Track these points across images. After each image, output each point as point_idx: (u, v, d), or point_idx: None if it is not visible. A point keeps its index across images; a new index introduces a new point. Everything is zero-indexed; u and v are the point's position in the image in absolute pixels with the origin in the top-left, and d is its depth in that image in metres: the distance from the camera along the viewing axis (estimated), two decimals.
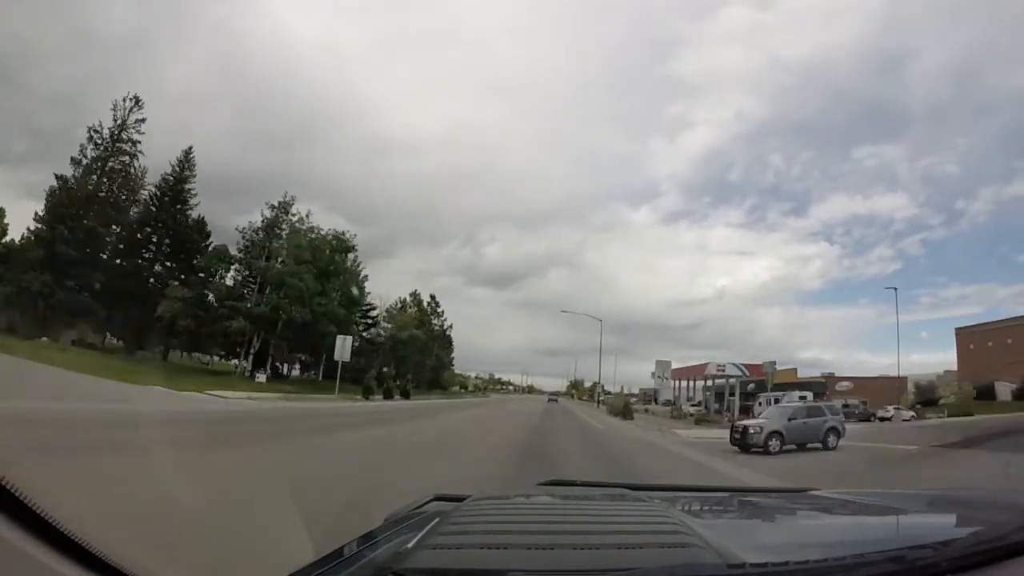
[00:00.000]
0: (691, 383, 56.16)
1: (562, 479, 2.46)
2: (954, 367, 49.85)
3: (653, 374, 44.11)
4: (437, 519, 1.25)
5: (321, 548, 1.29)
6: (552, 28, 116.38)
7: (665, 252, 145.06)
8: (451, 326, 76.54)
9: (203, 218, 43.59)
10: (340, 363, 34.19)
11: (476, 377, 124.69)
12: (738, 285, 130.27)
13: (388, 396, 39.33)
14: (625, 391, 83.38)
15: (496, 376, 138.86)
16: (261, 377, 34.23)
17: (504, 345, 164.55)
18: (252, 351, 39.83)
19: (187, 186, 43.36)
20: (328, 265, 41.62)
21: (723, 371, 44.47)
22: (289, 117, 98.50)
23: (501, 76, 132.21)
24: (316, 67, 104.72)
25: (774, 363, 40.02)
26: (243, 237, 43.17)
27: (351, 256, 49.00)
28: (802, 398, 37.46)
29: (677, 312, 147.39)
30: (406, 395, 42.74)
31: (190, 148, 44.02)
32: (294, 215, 43.97)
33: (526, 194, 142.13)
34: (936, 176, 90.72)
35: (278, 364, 45.67)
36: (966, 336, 50.08)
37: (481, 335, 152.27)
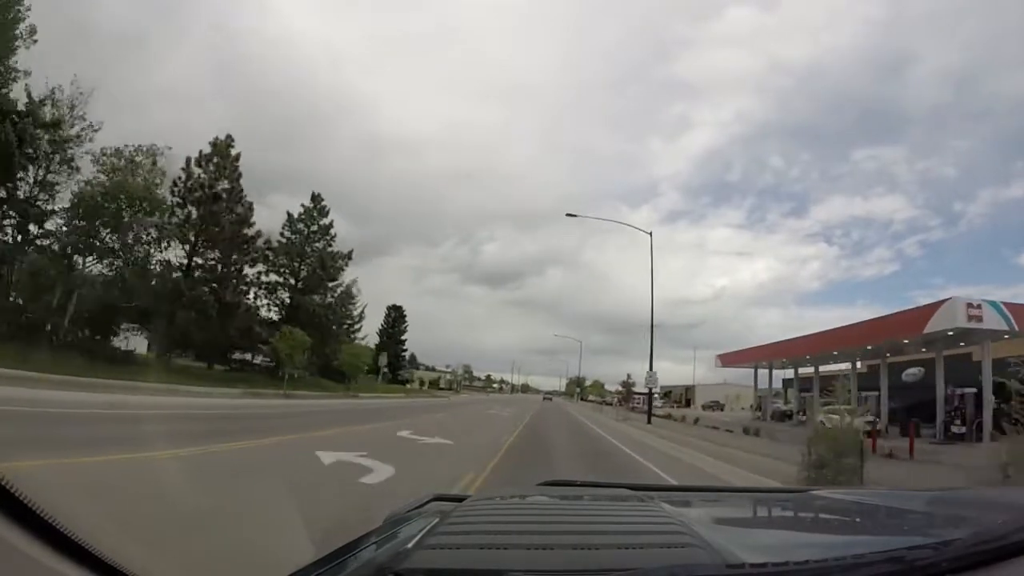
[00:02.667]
0: (778, 373, 37.91)
1: (562, 479, 2.46)
2: None
3: None
4: (437, 519, 1.25)
5: (321, 548, 1.29)
6: (553, 28, 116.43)
7: (664, 252, 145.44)
8: (350, 254, 41.75)
9: None
10: None
11: (449, 370, 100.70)
12: (736, 285, 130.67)
13: None
14: (618, 390, 63.54)
15: (482, 373, 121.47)
16: None
17: (499, 344, 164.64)
18: None
19: None
20: None
21: (977, 318, 20.68)
22: (286, 115, 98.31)
23: (502, 76, 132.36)
24: (315, 65, 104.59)
25: None
26: None
27: None
28: None
29: (675, 312, 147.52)
30: None
31: None
32: None
33: (525, 193, 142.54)
34: (934, 178, 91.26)
35: None
36: None
37: (477, 334, 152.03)
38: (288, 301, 38.44)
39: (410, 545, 1.04)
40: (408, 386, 64.55)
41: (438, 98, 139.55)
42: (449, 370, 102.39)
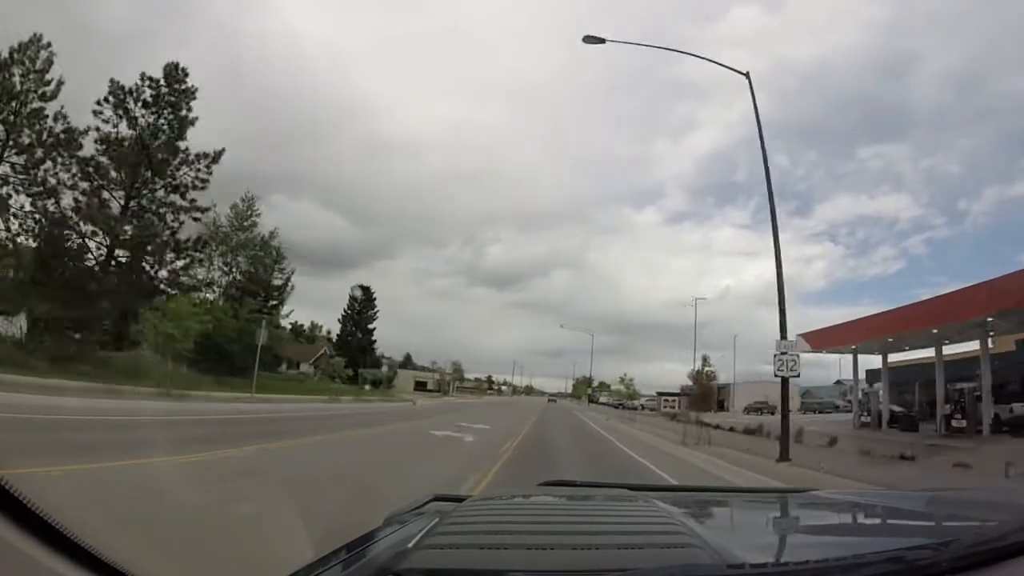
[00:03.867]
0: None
1: (562, 479, 2.46)
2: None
3: None
4: (437, 519, 1.25)
5: (321, 548, 1.29)
6: (556, 28, 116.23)
7: (669, 253, 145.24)
8: (218, 155, 26.15)
9: None
10: None
11: (436, 367, 79.14)
12: (742, 285, 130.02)
13: None
14: (687, 387, 46.93)
15: (484, 374, 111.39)
16: None
17: (503, 346, 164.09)
18: None
19: None
20: None
21: None
22: (291, 115, 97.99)
23: (505, 76, 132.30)
24: (318, 65, 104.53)
25: None
26: None
27: None
28: None
29: (681, 312, 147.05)
30: None
31: None
32: None
33: (529, 195, 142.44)
34: (939, 176, 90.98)
35: None
36: None
37: (481, 336, 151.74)
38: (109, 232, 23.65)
39: (410, 545, 1.04)
40: (367, 387, 44.96)
41: (441, 99, 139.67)
42: (436, 367, 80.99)
